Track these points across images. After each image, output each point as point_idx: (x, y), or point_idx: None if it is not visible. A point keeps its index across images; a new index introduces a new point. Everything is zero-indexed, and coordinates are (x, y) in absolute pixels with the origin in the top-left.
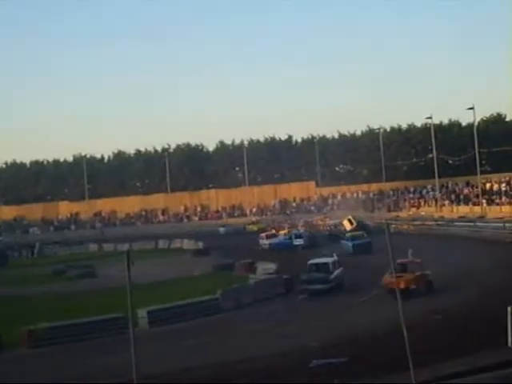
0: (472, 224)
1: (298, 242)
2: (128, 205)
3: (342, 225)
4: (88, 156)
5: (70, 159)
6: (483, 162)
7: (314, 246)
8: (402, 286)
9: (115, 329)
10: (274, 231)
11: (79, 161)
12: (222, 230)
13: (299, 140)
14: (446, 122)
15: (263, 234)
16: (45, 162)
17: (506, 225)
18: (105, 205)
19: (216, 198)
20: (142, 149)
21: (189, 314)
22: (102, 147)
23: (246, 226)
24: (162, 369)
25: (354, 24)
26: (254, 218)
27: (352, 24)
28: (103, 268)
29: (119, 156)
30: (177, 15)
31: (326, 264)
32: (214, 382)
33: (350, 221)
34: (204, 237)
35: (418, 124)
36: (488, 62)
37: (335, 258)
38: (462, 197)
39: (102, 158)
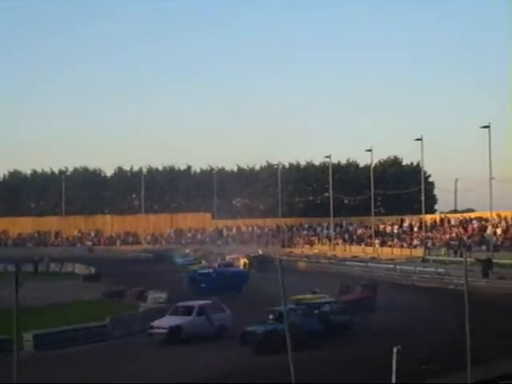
0: (364, 264)
1: None
2: (21, 225)
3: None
4: None
5: None
6: (378, 203)
7: None
8: None
9: None
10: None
11: None
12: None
13: (198, 171)
14: (343, 162)
15: None
16: None
17: (397, 267)
18: None
19: (111, 224)
20: (39, 169)
21: (76, 339)
22: None
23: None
24: None
25: (259, 58)
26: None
27: (256, 58)
28: None
29: (15, 175)
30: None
31: None
32: None
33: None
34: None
35: (317, 162)
36: (388, 106)
37: None
38: (355, 237)
39: None
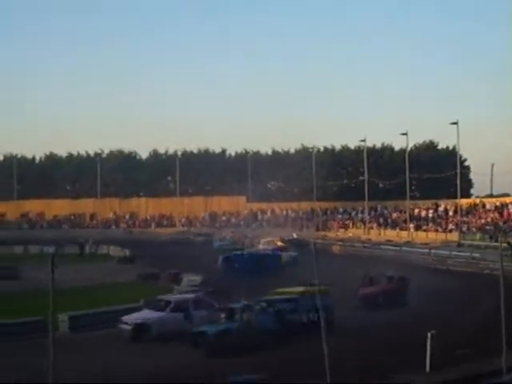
0: (398, 248)
1: None
2: (57, 207)
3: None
4: (19, 156)
5: (1, 158)
6: (413, 187)
7: None
8: None
9: (34, 332)
10: None
11: (10, 160)
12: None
13: (233, 154)
14: (378, 145)
15: None
16: None
17: (432, 251)
18: (33, 206)
19: (146, 207)
20: (75, 152)
21: (111, 321)
22: (33, 148)
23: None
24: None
25: (292, 40)
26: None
27: (289, 40)
28: (27, 270)
29: (51, 158)
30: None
31: None
32: None
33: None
34: None
35: (352, 146)
36: (424, 89)
37: None
38: (390, 221)
39: (34, 158)
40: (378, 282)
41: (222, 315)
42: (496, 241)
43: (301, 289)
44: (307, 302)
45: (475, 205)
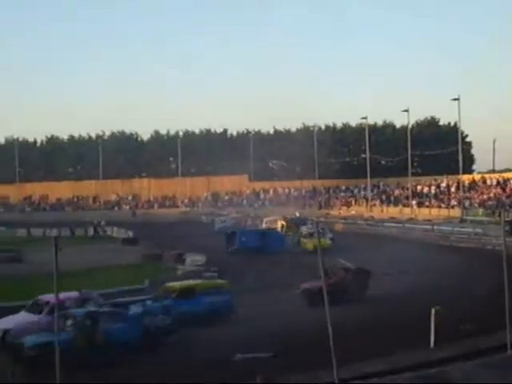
0: (401, 225)
1: None
2: (59, 190)
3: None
4: (20, 139)
5: (2, 142)
6: (415, 164)
7: None
8: None
9: None
10: None
11: (11, 143)
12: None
13: (234, 133)
14: (380, 123)
15: None
16: None
17: (435, 227)
18: (35, 189)
19: (148, 188)
20: (76, 134)
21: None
22: (34, 131)
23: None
24: None
25: (284, 20)
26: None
27: (281, 20)
28: (30, 253)
29: (52, 140)
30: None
31: None
32: None
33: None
34: None
35: (353, 124)
36: (425, 66)
37: None
38: (392, 198)
39: (35, 141)
40: (333, 275)
41: (69, 322)
42: (498, 216)
43: (190, 283)
44: (166, 302)
45: (475, 181)
